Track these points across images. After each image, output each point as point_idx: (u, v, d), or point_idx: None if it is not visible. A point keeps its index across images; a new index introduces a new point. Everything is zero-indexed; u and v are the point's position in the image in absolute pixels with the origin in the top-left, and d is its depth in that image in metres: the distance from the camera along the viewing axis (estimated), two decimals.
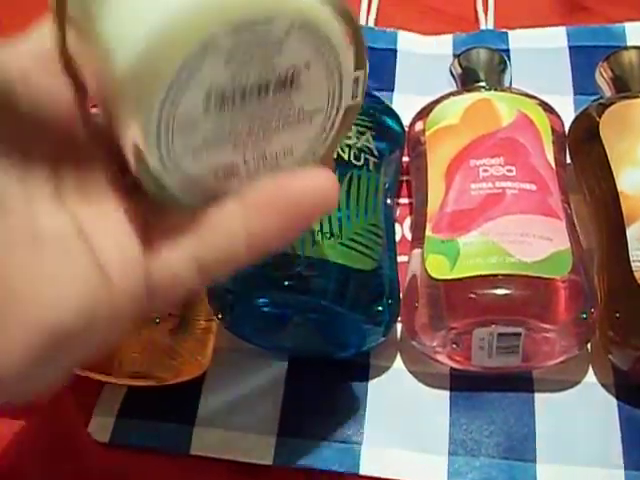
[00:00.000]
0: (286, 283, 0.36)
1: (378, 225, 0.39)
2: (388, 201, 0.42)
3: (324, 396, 0.40)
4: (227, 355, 0.41)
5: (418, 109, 0.46)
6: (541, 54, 0.53)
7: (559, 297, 0.37)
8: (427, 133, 0.44)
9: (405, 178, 0.47)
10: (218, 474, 0.39)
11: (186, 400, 0.40)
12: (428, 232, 0.40)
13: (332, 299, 0.36)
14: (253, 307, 0.37)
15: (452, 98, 0.44)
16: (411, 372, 0.41)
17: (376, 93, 0.46)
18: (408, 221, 0.46)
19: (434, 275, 0.38)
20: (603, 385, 0.39)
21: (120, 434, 0.40)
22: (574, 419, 0.38)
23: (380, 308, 0.38)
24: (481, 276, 0.37)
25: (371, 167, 0.41)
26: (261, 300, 0.37)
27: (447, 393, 0.40)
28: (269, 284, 0.36)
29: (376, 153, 0.41)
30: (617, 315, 0.37)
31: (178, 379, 0.39)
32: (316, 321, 0.38)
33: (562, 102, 0.48)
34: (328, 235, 0.37)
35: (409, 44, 0.55)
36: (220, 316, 0.38)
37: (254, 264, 0.36)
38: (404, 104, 0.49)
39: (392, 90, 0.53)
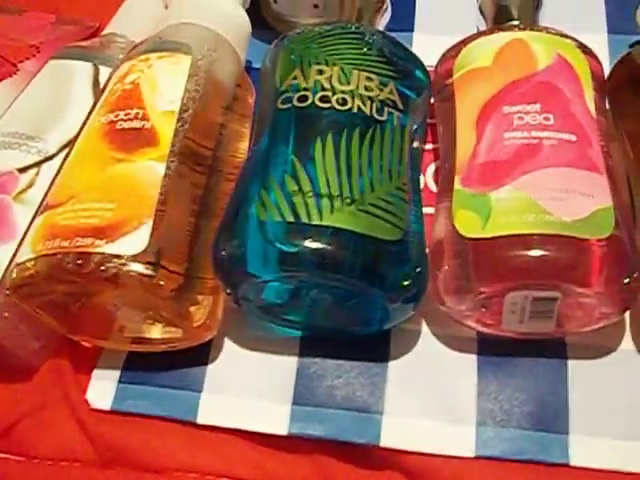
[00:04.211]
0: (299, 257, 0.32)
1: (404, 188, 0.35)
2: (415, 144, 0.38)
3: (341, 360, 0.37)
4: (238, 318, 0.38)
5: (442, 51, 0.42)
6: None
7: (601, 260, 0.33)
8: (455, 75, 0.40)
9: (429, 121, 0.42)
10: (227, 444, 0.36)
11: (193, 366, 0.37)
12: (457, 185, 0.36)
13: (352, 275, 0.32)
14: (262, 284, 0.33)
15: (483, 38, 0.40)
16: (435, 335, 0.38)
17: (394, 34, 0.41)
18: (431, 168, 0.43)
19: (464, 233, 0.35)
20: None
21: (122, 401, 0.37)
22: (610, 388, 0.36)
23: (407, 282, 0.33)
24: (516, 235, 0.34)
25: (395, 123, 0.37)
26: (272, 276, 0.33)
27: (474, 357, 0.37)
28: (279, 259, 0.32)
29: (401, 106, 0.37)
30: None
31: (184, 344, 0.36)
32: (334, 298, 0.34)
33: (594, 42, 0.43)
34: (348, 201, 0.33)
35: None
36: (228, 291, 0.35)
37: (262, 236, 0.32)
38: (426, 46, 0.45)
39: (412, 30, 0.48)
